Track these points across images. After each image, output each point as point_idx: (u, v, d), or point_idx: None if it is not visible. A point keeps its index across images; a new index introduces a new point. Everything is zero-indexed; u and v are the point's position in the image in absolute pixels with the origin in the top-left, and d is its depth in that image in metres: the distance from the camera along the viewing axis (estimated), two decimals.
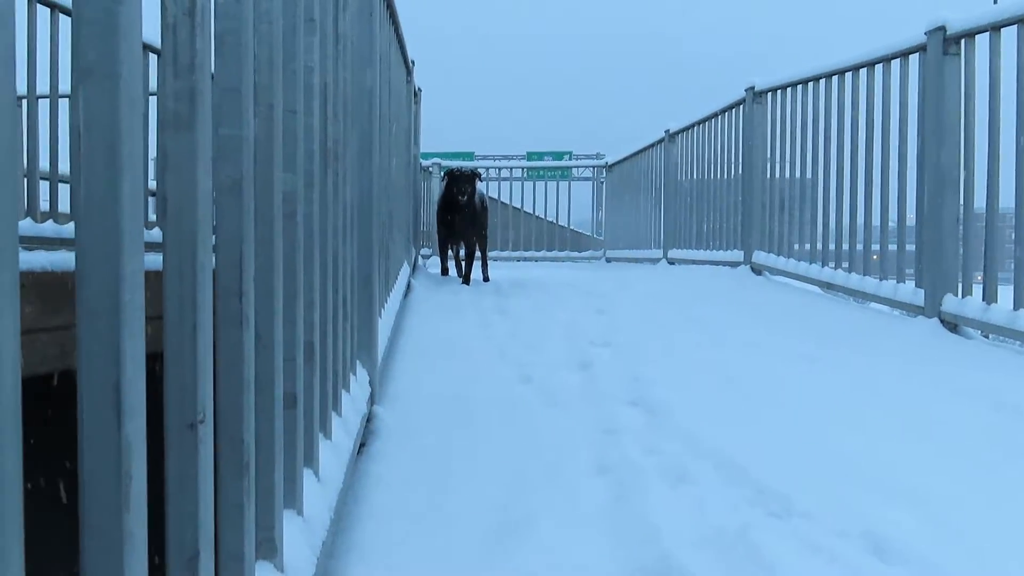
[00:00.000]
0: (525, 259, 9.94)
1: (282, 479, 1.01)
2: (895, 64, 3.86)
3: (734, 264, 5.77)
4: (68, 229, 2.33)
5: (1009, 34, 3.11)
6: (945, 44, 3.46)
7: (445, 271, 6.04)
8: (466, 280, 5.50)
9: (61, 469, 1.22)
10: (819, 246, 4.64)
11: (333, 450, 1.44)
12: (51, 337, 1.40)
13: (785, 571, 1.53)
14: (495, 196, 10.43)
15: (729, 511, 1.81)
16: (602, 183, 10.13)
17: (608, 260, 9.62)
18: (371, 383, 2.04)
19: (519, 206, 10.52)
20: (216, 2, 0.84)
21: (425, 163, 10.22)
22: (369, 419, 2.02)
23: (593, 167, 10.18)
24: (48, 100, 3.37)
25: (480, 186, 5.89)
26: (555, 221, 10.29)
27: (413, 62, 4.60)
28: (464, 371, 2.99)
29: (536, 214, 10.35)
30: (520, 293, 5.24)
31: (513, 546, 1.60)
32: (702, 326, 3.92)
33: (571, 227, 10.83)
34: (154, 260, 0.67)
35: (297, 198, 1.13)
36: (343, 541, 1.47)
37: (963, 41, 3.41)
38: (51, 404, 1.31)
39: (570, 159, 38.34)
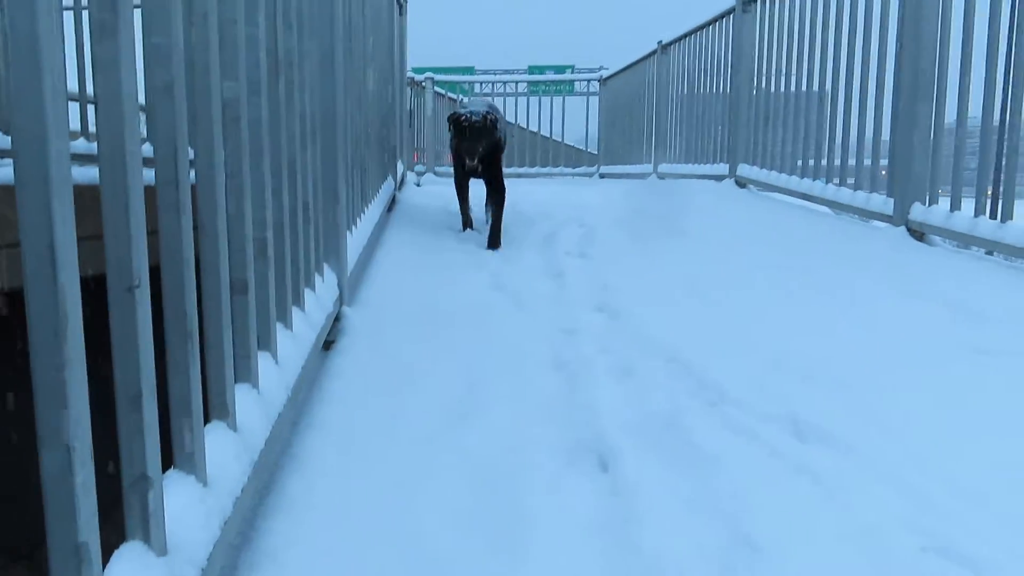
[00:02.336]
0: (520, 175, 9.96)
1: (232, 355, 1.15)
2: None
3: (720, 178, 5.82)
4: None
5: None
6: None
7: (467, 222, 4.36)
8: (493, 242, 3.97)
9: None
10: (799, 158, 4.69)
11: (293, 339, 1.58)
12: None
13: (707, 449, 1.69)
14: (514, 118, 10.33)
15: (667, 400, 1.97)
16: (596, 97, 10.02)
17: (602, 176, 9.64)
18: (339, 285, 2.18)
19: (513, 122, 10.44)
20: None
21: (419, 77, 10.12)
22: (338, 319, 2.16)
23: (587, 80, 10.05)
24: None
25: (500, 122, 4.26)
26: (550, 137, 10.25)
27: None
28: (439, 279, 3.13)
29: (531, 130, 10.30)
30: (508, 208, 5.34)
31: (464, 429, 1.77)
32: (678, 238, 4.03)
33: (566, 143, 10.78)
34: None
35: (240, 104, 1.23)
36: (303, 420, 1.64)
37: None
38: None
39: (573, 71, 37.58)
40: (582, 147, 12.34)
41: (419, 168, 10.00)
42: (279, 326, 1.54)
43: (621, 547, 1.32)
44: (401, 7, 5.54)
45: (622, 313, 2.77)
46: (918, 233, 3.49)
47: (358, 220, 2.89)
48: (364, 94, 3.18)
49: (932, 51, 3.47)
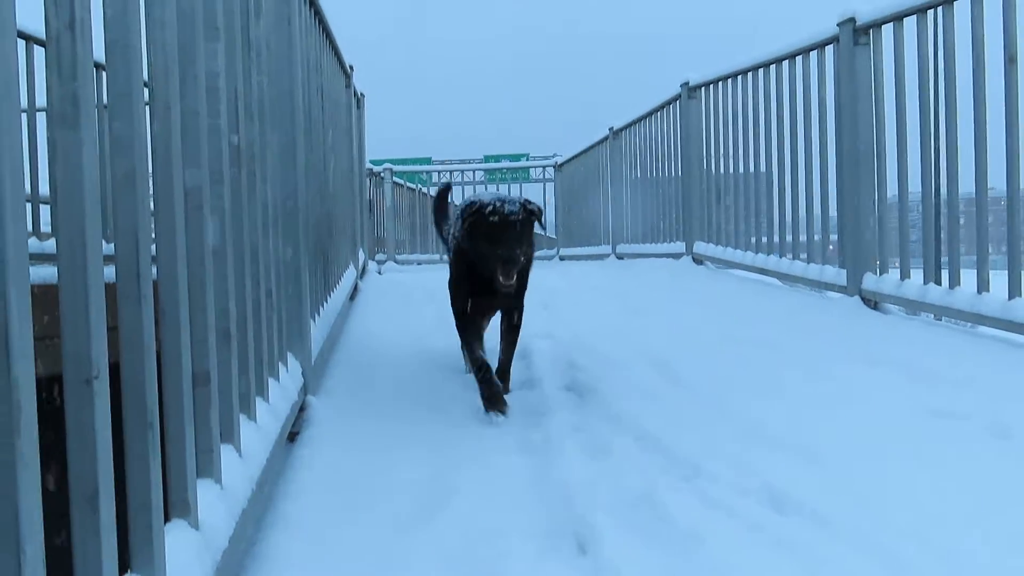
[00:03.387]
0: None
1: (194, 448, 1.11)
2: (813, 55, 4.06)
3: (677, 256, 5.95)
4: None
5: (910, 23, 3.32)
6: (855, 34, 3.66)
7: (478, 364, 2.63)
8: (502, 379, 2.73)
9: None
10: (752, 235, 4.83)
11: (258, 431, 1.54)
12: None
13: (685, 525, 1.66)
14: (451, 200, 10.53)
15: (641, 476, 1.94)
16: (552, 182, 10.28)
17: (561, 258, 9.78)
18: (304, 374, 2.14)
19: None
20: (105, 14, 0.94)
21: (377, 168, 10.29)
22: (303, 408, 2.11)
23: (543, 167, 10.33)
24: None
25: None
26: None
27: (352, 68, 4.68)
28: (404, 367, 3.09)
29: None
30: None
31: (437, 518, 1.71)
32: (639, 314, 4.08)
33: None
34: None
35: (203, 193, 1.23)
36: (269, 515, 1.57)
37: (871, 31, 3.61)
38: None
39: (527, 160, 38.68)
40: (540, 232, 12.56)
41: (380, 256, 10.05)
42: (243, 417, 1.50)
43: None
44: (358, 101, 5.67)
45: (587, 391, 2.75)
46: (872, 301, 3.58)
47: (321, 308, 2.87)
48: (325, 184, 3.21)
49: (869, 130, 3.65)
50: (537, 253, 10.60)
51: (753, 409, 2.44)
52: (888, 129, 3.52)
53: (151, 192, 1.03)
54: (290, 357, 2.07)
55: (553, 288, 5.37)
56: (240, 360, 1.48)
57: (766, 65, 4.51)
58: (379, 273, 9.84)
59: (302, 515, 1.58)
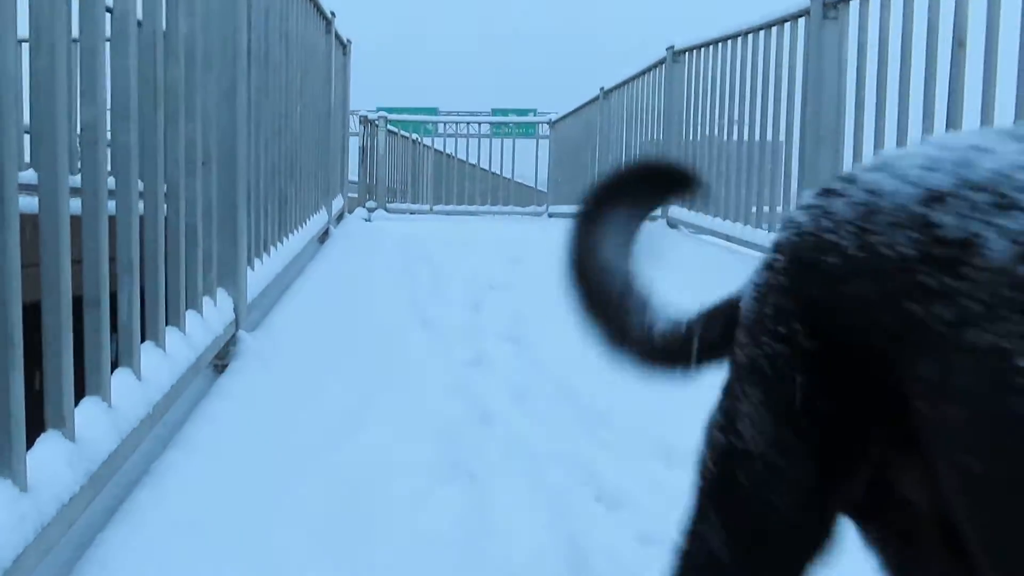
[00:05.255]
0: (470, 213, 10.09)
1: (71, 366, 1.20)
2: (787, 27, 4.05)
3: (654, 218, 6.00)
4: None
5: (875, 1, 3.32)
6: (825, 8, 3.65)
7: None
8: None
9: None
10: (722, 202, 4.88)
11: (165, 359, 1.63)
12: None
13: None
14: (452, 152, 10.46)
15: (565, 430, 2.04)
16: (547, 139, 10.25)
17: (551, 215, 9.82)
18: (236, 310, 2.22)
19: (465, 159, 10.56)
20: None
21: (372, 116, 10.26)
22: (234, 342, 2.21)
23: (538, 123, 10.29)
24: None
25: None
26: (500, 174, 10.42)
27: (333, 14, 4.68)
28: (353, 307, 3.18)
29: (493, 171, 10.45)
30: (452, 241, 5.44)
31: (344, 443, 1.82)
32: None
33: (516, 180, 10.96)
34: None
35: (97, 129, 1.30)
36: (176, 438, 1.67)
37: (839, 6, 3.61)
38: None
39: (535, 116, 38.30)
40: (532, 185, 12.52)
41: (370, 204, 10.10)
42: (149, 344, 1.59)
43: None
44: (344, 48, 5.67)
45: (523, 340, 2.85)
46: None
47: (272, 247, 2.94)
48: (287, 128, 3.26)
49: (833, 109, 3.67)
50: (527, 209, 10.58)
51: None
52: (848, 109, 3.54)
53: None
54: (220, 292, 2.16)
55: (524, 241, 5.46)
56: (148, 289, 1.56)
57: (745, 34, 4.50)
58: (367, 220, 9.90)
59: (206, 439, 1.68)
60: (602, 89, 7.65)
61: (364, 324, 2.98)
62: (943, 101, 2.85)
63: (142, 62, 1.51)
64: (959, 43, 2.77)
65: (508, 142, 10.60)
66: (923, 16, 2.97)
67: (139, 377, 1.49)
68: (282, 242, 3.14)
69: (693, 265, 4.60)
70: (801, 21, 3.91)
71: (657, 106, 6.10)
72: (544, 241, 5.50)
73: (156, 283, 1.62)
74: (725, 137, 4.94)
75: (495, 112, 45.42)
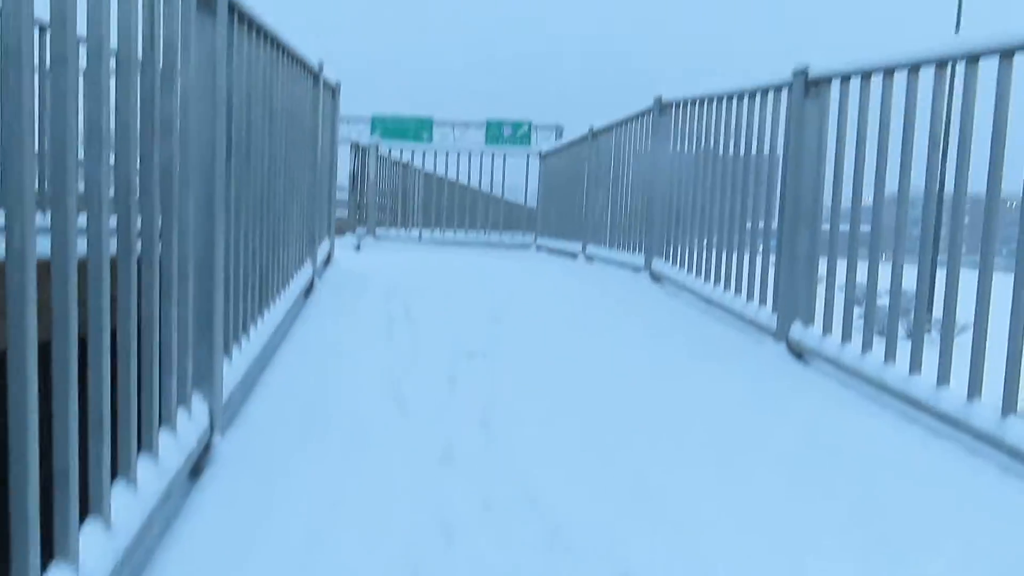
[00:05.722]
0: (458, 243, 10.12)
1: (36, 531, 1.22)
2: (771, 96, 4.12)
3: (637, 269, 6.05)
4: None
5: (855, 83, 3.39)
6: (807, 86, 3.72)
7: None
8: None
9: None
10: (703, 262, 4.93)
11: (136, 497, 1.64)
12: None
13: None
14: (445, 171, 10.37)
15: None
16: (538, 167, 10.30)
17: (538, 248, 9.87)
18: (211, 414, 2.24)
19: (456, 178, 10.53)
20: None
21: (364, 143, 10.28)
22: (208, 448, 2.22)
23: (527, 154, 10.34)
24: None
25: None
26: (491, 193, 10.42)
27: (320, 65, 4.72)
28: (333, 388, 3.20)
29: (473, 186, 10.45)
30: (435, 291, 5.47)
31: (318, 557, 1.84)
32: (581, 330, 4.24)
33: (506, 199, 10.96)
34: None
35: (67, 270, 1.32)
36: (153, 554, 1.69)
37: (821, 85, 3.67)
38: None
39: (529, 129, 38.38)
40: (521, 202, 12.46)
41: (360, 231, 10.12)
42: (121, 482, 1.61)
43: None
44: (333, 92, 5.70)
45: (494, 427, 2.88)
46: (797, 352, 3.70)
47: (252, 327, 2.96)
48: (270, 207, 3.28)
49: (810, 190, 3.73)
50: (514, 239, 10.65)
51: (631, 453, 2.57)
52: (826, 190, 3.61)
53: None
54: (195, 398, 2.17)
55: (517, 298, 5.50)
56: (123, 419, 1.59)
57: (730, 96, 4.56)
58: (357, 248, 9.93)
59: (178, 554, 1.70)
60: (591, 129, 7.71)
61: (339, 410, 2.99)
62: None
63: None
64: (935, 144, 2.83)
65: (500, 161, 10.29)
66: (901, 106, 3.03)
67: (109, 525, 1.50)
68: (263, 317, 3.16)
69: (661, 324, 4.68)
70: (784, 94, 3.97)
71: (643, 155, 6.16)
72: (527, 292, 5.58)
73: (128, 412, 1.64)
74: (708, 196, 5.00)
75: (489, 123, 45.35)
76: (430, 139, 34.91)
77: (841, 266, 3.52)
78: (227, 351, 2.49)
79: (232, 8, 2.46)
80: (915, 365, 2.90)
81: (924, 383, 2.83)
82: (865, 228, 3.39)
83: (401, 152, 10.64)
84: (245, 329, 2.81)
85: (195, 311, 2.13)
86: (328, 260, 5.81)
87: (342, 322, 4.35)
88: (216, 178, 2.21)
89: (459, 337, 4.26)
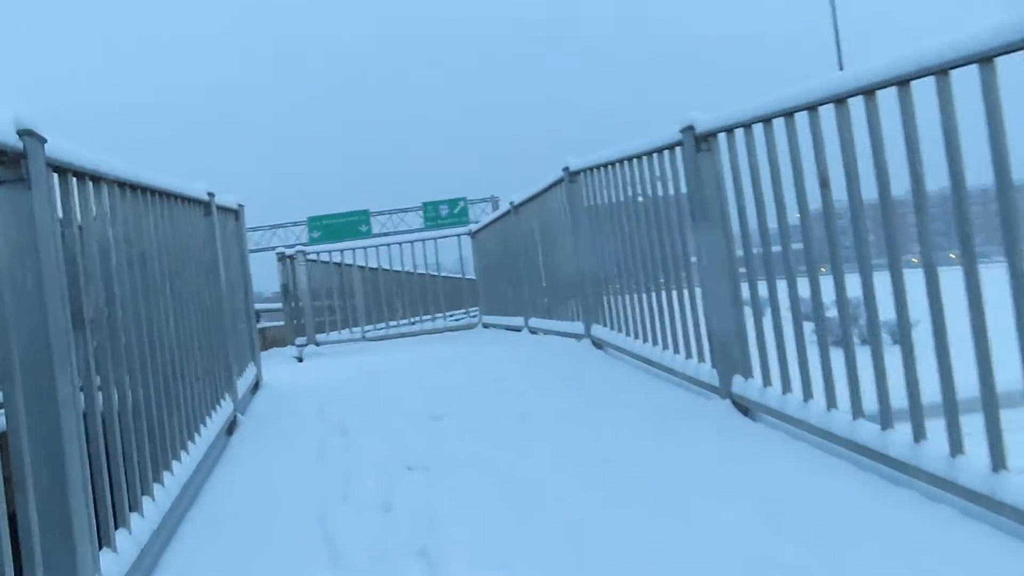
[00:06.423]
0: (402, 334, 9.89)
1: None
2: (666, 155, 4.07)
3: (579, 337, 5.90)
4: None
5: (739, 134, 3.34)
6: (697, 142, 3.67)
7: None
8: None
9: None
10: (637, 323, 4.80)
11: None
12: None
13: None
14: (381, 262, 10.17)
15: None
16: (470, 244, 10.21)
17: (485, 326, 9.69)
18: None
19: (391, 267, 10.36)
20: None
21: (288, 251, 10.09)
22: None
23: (458, 235, 10.25)
24: None
25: None
26: (426, 273, 10.30)
27: (211, 194, 4.56)
28: (257, 540, 2.92)
29: (409, 271, 10.30)
30: (374, 396, 5.22)
31: None
32: (522, 419, 4.03)
33: (443, 275, 10.84)
34: None
35: None
36: None
37: (709, 139, 3.63)
38: None
39: (465, 204, 38.70)
40: (459, 275, 12.32)
41: (300, 340, 9.83)
42: None
43: None
44: (236, 214, 5.54)
45: (432, 558, 2.64)
46: (743, 407, 3.54)
47: (148, 497, 2.69)
48: (162, 363, 3.06)
49: (720, 238, 3.65)
50: (459, 320, 10.45)
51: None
52: (736, 237, 3.52)
53: None
54: None
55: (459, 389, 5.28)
56: None
57: (629, 159, 4.52)
58: (299, 360, 9.61)
59: None
60: (511, 203, 7.66)
61: (263, 565, 2.72)
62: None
63: None
64: (822, 183, 2.76)
65: (433, 244, 10.17)
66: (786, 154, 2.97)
67: None
68: (162, 484, 2.89)
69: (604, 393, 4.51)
70: (678, 151, 3.93)
71: (564, 223, 6.09)
72: (470, 381, 5.36)
73: None
74: (629, 256, 4.91)
75: (426, 204, 45.64)
76: (369, 231, 34.95)
77: (768, 314, 3.40)
78: (107, 542, 2.22)
79: (66, 170, 2.29)
80: (857, 411, 2.75)
81: (868, 429, 2.68)
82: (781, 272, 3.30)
83: (330, 254, 10.44)
84: (134, 503, 2.54)
85: (44, 508, 1.87)
86: (256, 386, 5.54)
87: (267, 455, 4.07)
88: (54, 356, 1.99)
89: (397, 448, 4.02)
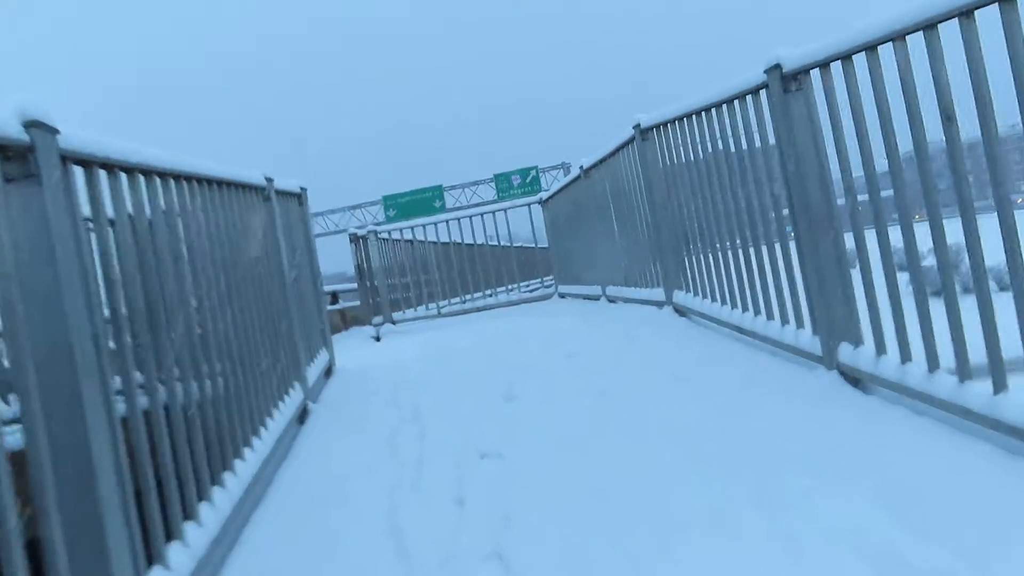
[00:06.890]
0: (478, 308, 9.70)
1: None
2: (749, 100, 3.64)
3: (660, 304, 5.53)
4: None
5: (837, 68, 2.90)
6: (784, 81, 3.24)
7: None
8: None
9: None
10: (725, 287, 4.41)
11: None
12: None
13: None
14: (456, 237, 9.97)
15: None
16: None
17: (561, 296, 9.40)
18: None
19: (465, 241, 10.15)
20: None
21: (360, 232, 10.01)
22: None
23: (528, 204, 9.93)
24: None
25: None
26: (499, 244, 10.07)
27: (269, 179, 4.40)
28: (327, 536, 2.75)
29: (490, 244, 10.11)
30: (447, 377, 5.03)
31: None
32: (602, 396, 3.73)
33: (516, 245, 10.57)
34: None
35: None
36: None
37: (801, 77, 3.19)
38: None
39: (536, 173, 38.19)
40: (532, 245, 12.00)
41: (376, 320, 9.77)
42: None
43: None
44: (300, 197, 5.40)
45: (507, 560, 2.39)
46: (852, 379, 3.14)
47: (201, 509, 2.54)
48: (236, 365, 2.90)
49: (817, 188, 3.23)
50: (534, 291, 10.26)
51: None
52: (837, 185, 3.09)
53: None
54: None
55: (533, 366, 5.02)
56: None
57: (708, 108, 4.10)
58: (376, 339, 9.57)
59: None
60: (581, 167, 7.28)
61: (331, 565, 2.55)
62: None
63: None
64: (948, 118, 2.32)
65: (504, 215, 9.99)
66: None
67: None
68: (223, 486, 2.74)
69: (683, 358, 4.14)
70: (762, 94, 3.50)
71: (638, 184, 5.70)
72: (547, 356, 5.08)
73: None
74: (711, 215, 4.50)
75: (497, 176, 45.61)
76: (443, 207, 34.94)
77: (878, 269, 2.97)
78: (160, 559, 2.06)
79: (90, 162, 2.10)
80: (999, 385, 2.33)
81: (1017, 403, 2.26)
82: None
83: (402, 231, 10.30)
84: (191, 515, 2.39)
85: (73, 532, 1.71)
86: (329, 371, 5.42)
87: (337, 445, 3.92)
88: (78, 363, 1.81)
89: (470, 433, 3.80)
